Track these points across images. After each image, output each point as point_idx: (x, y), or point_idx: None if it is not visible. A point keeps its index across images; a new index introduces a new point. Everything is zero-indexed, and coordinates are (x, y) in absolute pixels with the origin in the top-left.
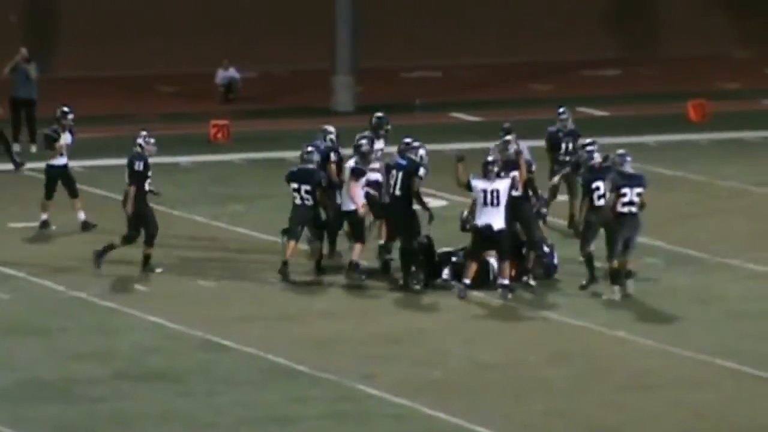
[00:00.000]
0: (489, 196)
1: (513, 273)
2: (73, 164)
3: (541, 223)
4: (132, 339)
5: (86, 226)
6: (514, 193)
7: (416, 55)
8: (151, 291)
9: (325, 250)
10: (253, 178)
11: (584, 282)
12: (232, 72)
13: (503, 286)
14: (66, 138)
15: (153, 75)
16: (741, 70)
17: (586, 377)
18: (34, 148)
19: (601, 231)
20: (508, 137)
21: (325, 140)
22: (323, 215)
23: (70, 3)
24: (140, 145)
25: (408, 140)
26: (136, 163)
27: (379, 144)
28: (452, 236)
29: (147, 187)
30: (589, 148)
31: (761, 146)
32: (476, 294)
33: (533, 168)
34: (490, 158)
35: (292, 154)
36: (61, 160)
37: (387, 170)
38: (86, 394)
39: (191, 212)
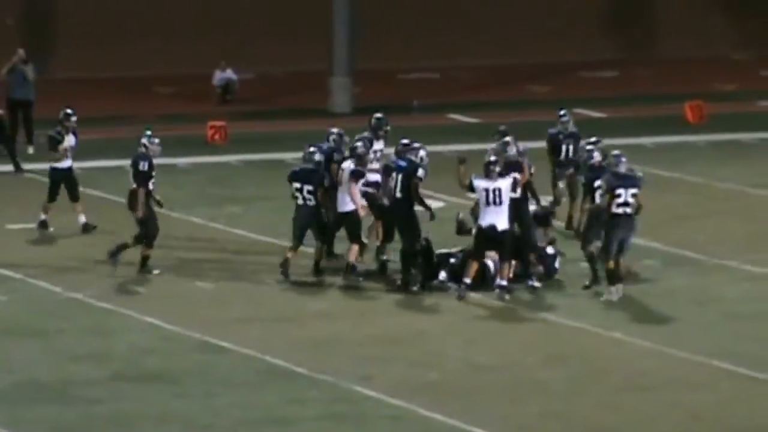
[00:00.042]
0: (491, 195)
1: (511, 274)
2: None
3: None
4: (129, 340)
5: (87, 228)
6: (513, 195)
7: (414, 57)
8: (149, 292)
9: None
10: (250, 179)
11: (587, 282)
12: (230, 73)
13: (501, 287)
14: (69, 140)
15: (150, 76)
16: (738, 71)
17: (583, 378)
18: (31, 150)
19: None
20: (508, 138)
21: (328, 141)
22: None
23: (67, 4)
24: (144, 145)
25: (406, 141)
26: (141, 163)
27: (378, 145)
28: (449, 237)
29: (150, 186)
30: (588, 147)
31: (758, 148)
32: (474, 295)
33: (532, 170)
34: (492, 158)
35: (290, 156)
36: (65, 163)
37: (386, 171)
38: (83, 395)
39: (189, 213)
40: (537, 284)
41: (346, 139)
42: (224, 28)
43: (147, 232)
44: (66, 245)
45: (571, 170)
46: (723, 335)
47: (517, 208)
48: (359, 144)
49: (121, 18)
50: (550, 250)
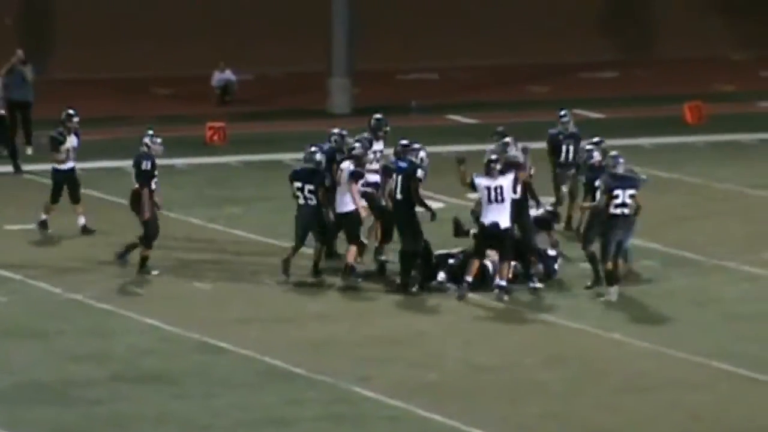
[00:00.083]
0: (493, 193)
1: (510, 275)
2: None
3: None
4: (128, 341)
5: (86, 230)
6: (513, 196)
7: (413, 57)
8: (148, 293)
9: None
10: (249, 180)
11: (589, 283)
12: (229, 74)
13: (500, 287)
14: (72, 140)
15: (149, 77)
16: (737, 72)
17: (582, 379)
18: (29, 150)
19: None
20: (508, 139)
21: (329, 141)
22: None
23: (65, 5)
24: (147, 145)
25: (404, 142)
26: (144, 163)
27: (378, 145)
28: (448, 238)
29: (153, 186)
30: (588, 147)
31: (757, 148)
32: (473, 296)
33: (532, 171)
34: (493, 156)
35: (289, 156)
36: (67, 165)
37: (385, 172)
38: (83, 396)
39: (188, 214)
40: (539, 285)
41: (349, 139)
42: (223, 29)
43: (146, 233)
44: (66, 246)
45: (572, 171)
46: (722, 336)
47: (517, 209)
48: (357, 145)
49: (120, 19)
50: (551, 252)
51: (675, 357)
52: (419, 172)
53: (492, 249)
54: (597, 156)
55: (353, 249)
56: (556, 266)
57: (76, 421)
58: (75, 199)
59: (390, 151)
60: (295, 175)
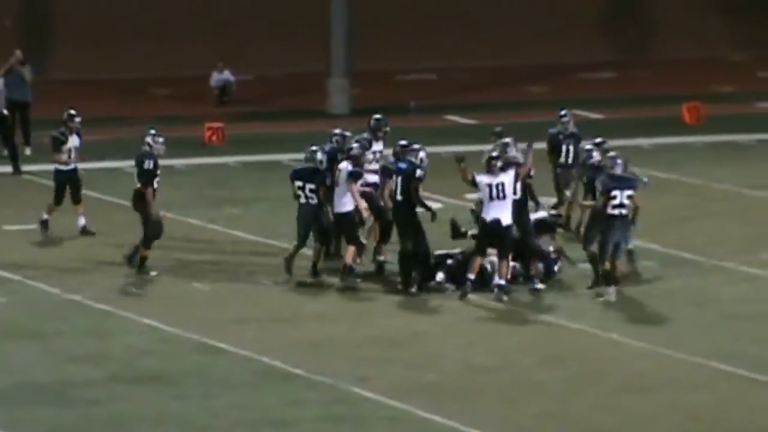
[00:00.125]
0: (495, 190)
1: (509, 275)
2: None
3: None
4: (127, 342)
5: (85, 231)
6: (514, 197)
7: (411, 58)
8: (146, 294)
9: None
10: (248, 180)
11: (590, 283)
12: (227, 75)
13: (499, 287)
14: (74, 141)
15: (148, 78)
16: (736, 73)
17: (581, 380)
18: (28, 151)
19: None
20: (507, 139)
21: (331, 141)
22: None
23: (64, 6)
24: (149, 144)
25: (403, 143)
26: (146, 162)
27: (377, 146)
28: (447, 239)
29: (155, 185)
30: (588, 147)
31: (756, 149)
32: (472, 296)
33: (532, 172)
34: (493, 153)
35: (288, 157)
36: (70, 165)
37: (384, 172)
38: (82, 396)
39: (186, 215)
40: (540, 286)
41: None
42: (222, 30)
43: (147, 232)
44: (64, 247)
45: (574, 172)
46: (721, 336)
47: (516, 210)
48: (355, 145)
49: (119, 19)
50: (552, 253)
51: (674, 357)
52: (418, 172)
53: (493, 247)
54: (596, 156)
55: (351, 249)
56: (555, 268)
57: (74, 422)
58: (76, 199)
59: (389, 152)
60: (296, 175)
